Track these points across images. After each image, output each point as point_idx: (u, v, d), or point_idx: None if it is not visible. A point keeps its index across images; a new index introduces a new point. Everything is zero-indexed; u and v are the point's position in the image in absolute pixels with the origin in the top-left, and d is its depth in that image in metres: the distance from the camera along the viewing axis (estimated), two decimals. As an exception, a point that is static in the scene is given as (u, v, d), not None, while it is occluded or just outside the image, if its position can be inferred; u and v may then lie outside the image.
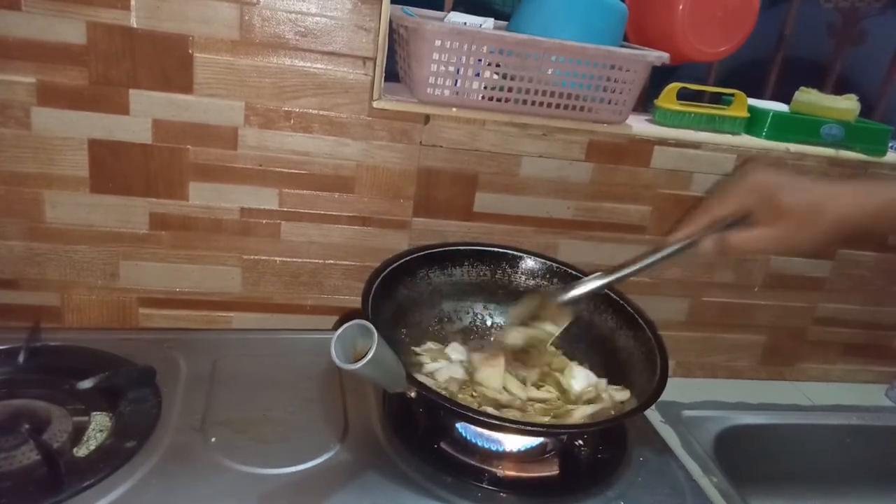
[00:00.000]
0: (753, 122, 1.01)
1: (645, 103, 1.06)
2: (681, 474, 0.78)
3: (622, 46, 0.92)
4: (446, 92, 0.86)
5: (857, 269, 1.09)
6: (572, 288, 0.75)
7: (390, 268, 0.83)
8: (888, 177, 1.04)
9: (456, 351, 0.83)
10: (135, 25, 0.77)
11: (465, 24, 0.92)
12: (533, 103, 0.88)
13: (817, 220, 0.64)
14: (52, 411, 0.71)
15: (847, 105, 1.01)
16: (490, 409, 0.73)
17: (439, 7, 1.04)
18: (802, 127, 1.01)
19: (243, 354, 0.87)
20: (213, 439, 0.71)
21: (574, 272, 0.90)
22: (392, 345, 0.62)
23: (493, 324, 0.92)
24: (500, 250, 0.91)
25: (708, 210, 0.69)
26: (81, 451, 0.68)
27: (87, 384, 0.72)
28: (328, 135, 0.86)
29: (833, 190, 0.65)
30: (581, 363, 0.85)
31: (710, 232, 0.69)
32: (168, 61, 0.79)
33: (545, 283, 0.91)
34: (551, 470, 0.74)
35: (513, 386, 0.78)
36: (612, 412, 0.76)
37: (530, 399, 0.78)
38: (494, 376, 0.78)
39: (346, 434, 0.75)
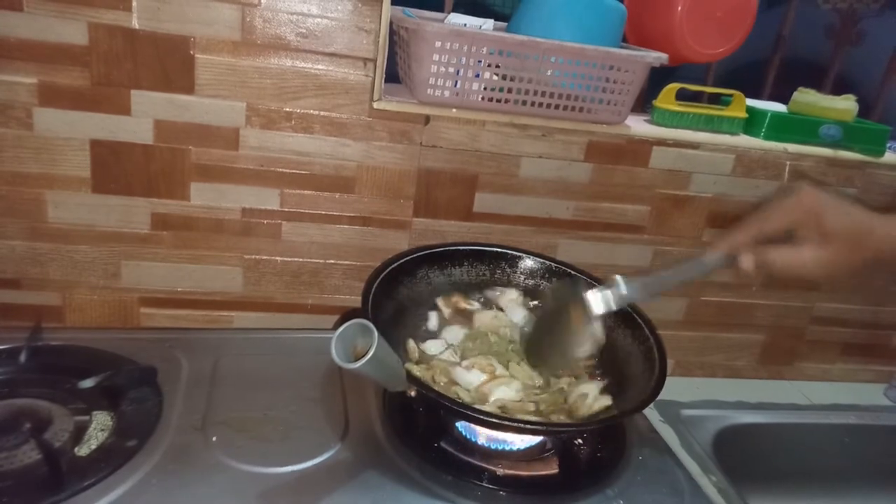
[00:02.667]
0: (752, 123, 1.02)
1: (644, 104, 1.07)
2: (680, 473, 0.78)
3: (621, 47, 0.92)
4: (446, 93, 0.86)
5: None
6: (600, 301, 0.71)
7: (390, 268, 0.83)
8: None
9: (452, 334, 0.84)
10: (136, 26, 0.78)
11: (465, 25, 0.92)
12: (532, 104, 0.88)
13: (860, 247, 0.62)
14: (54, 411, 0.71)
15: (845, 105, 1.02)
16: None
17: (439, 8, 1.04)
18: (801, 127, 1.01)
19: (244, 354, 0.87)
20: (214, 438, 0.72)
21: (574, 272, 0.90)
22: (392, 344, 0.62)
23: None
24: (500, 250, 0.92)
25: (750, 225, 0.66)
26: (83, 451, 0.68)
27: (88, 383, 0.73)
28: (329, 135, 0.87)
29: (878, 218, 0.63)
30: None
31: (750, 248, 0.65)
32: (169, 62, 0.80)
33: (545, 282, 0.91)
34: (551, 469, 0.74)
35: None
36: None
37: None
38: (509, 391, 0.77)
39: (347, 433, 0.75)
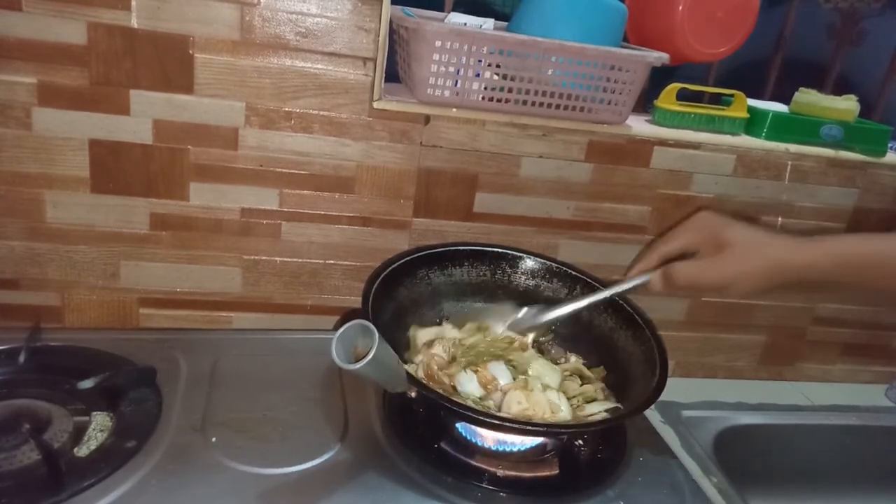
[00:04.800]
0: (753, 123, 1.01)
1: (645, 104, 1.06)
2: (680, 474, 0.78)
3: (622, 47, 0.92)
4: (446, 92, 0.86)
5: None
6: (520, 322, 0.85)
7: (390, 268, 0.83)
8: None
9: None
10: (135, 26, 0.78)
11: (466, 24, 0.92)
12: (533, 104, 0.88)
13: (754, 256, 0.66)
14: (53, 411, 0.71)
15: (846, 105, 1.02)
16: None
17: (439, 8, 1.04)
18: (802, 127, 1.01)
19: (244, 354, 0.87)
20: (214, 439, 0.71)
21: (574, 272, 0.90)
22: (392, 345, 0.62)
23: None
24: (500, 250, 0.91)
25: (656, 247, 0.73)
26: (82, 451, 0.68)
27: (87, 384, 0.72)
28: (328, 135, 0.86)
29: (775, 237, 0.68)
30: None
31: (656, 268, 0.73)
32: (169, 62, 0.80)
33: (545, 283, 0.91)
34: (551, 470, 0.74)
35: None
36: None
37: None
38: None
39: (347, 434, 0.75)
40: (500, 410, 0.74)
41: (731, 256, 0.67)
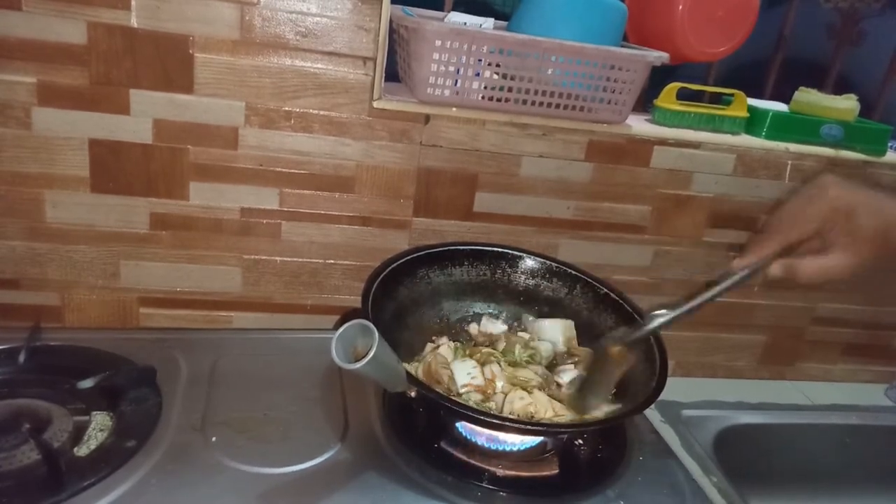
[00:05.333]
0: (753, 122, 1.01)
1: (645, 103, 1.06)
2: (680, 474, 0.78)
3: (622, 46, 0.92)
4: (446, 92, 0.86)
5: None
6: (635, 330, 0.71)
7: (390, 268, 0.83)
8: None
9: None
10: (135, 25, 0.78)
11: (465, 24, 0.92)
12: (533, 103, 0.88)
13: (889, 243, 0.58)
14: (53, 411, 0.71)
15: (847, 105, 1.01)
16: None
17: (439, 7, 1.04)
18: (802, 127, 1.01)
19: (244, 354, 0.87)
20: (214, 439, 0.71)
21: (574, 272, 0.90)
22: (392, 345, 0.62)
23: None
24: (500, 250, 0.91)
25: (778, 233, 0.63)
26: (82, 451, 0.68)
27: (87, 384, 0.72)
28: (328, 135, 0.86)
29: None
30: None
31: (778, 257, 0.63)
32: (169, 61, 0.80)
33: (545, 282, 0.91)
34: (551, 469, 0.74)
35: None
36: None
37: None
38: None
39: (346, 434, 0.75)
40: (501, 410, 0.74)
41: (868, 251, 0.59)
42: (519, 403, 0.73)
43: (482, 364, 0.78)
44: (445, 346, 0.81)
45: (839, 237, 0.59)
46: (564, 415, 0.75)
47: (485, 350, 0.82)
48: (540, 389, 0.77)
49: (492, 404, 0.75)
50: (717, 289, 0.66)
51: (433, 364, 0.77)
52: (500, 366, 0.79)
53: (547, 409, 0.74)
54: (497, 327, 0.88)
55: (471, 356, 0.80)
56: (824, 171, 0.75)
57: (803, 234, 0.62)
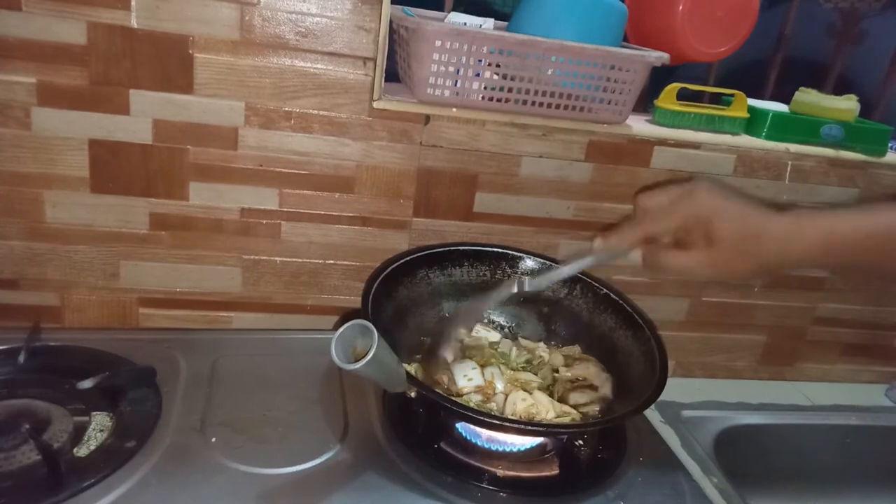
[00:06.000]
0: (753, 123, 1.01)
1: (645, 103, 1.06)
2: (680, 474, 0.78)
3: (622, 47, 0.92)
4: (446, 92, 0.86)
5: (856, 269, 1.09)
6: (495, 295, 0.75)
7: (390, 268, 0.83)
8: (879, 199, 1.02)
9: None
10: (135, 26, 0.77)
11: (466, 24, 0.92)
12: (533, 103, 0.88)
13: (751, 252, 0.61)
14: (53, 411, 0.71)
15: (847, 105, 1.01)
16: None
17: (439, 7, 1.04)
18: (802, 127, 1.01)
19: (243, 354, 0.87)
20: (214, 439, 0.71)
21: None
22: (392, 345, 0.62)
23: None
24: (500, 250, 0.91)
25: (643, 224, 0.67)
26: (82, 451, 0.68)
27: (87, 384, 0.72)
28: (328, 135, 0.86)
29: (772, 222, 0.61)
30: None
31: (641, 244, 0.67)
32: (168, 61, 0.80)
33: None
34: (551, 470, 0.74)
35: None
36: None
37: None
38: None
39: (346, 434, 0.75)
40: (503, 411, 0.74)
41: (726, 253, 0.62)
42: (521, 405, 0.73)
43: (482, 366, 0.79)
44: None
45: (699, 239, 0.63)
46: (566, 416, 0.75)
47: (486, 351, 0.82)
48: (541, 390, 0.77)
49: (493, 405, 0.75)
50: (571, 265, 0.72)
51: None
52: (500, 369, 0.79)
53: (548, 410, 0.74)
54: (491, 335, 0.88)
55: (471, 357, 0.80)
56: (701, 177, 0.80)
57: (666, 229, 0.65)
